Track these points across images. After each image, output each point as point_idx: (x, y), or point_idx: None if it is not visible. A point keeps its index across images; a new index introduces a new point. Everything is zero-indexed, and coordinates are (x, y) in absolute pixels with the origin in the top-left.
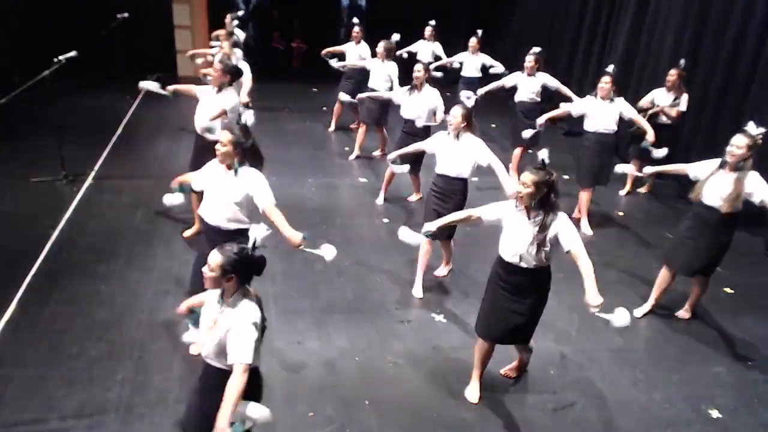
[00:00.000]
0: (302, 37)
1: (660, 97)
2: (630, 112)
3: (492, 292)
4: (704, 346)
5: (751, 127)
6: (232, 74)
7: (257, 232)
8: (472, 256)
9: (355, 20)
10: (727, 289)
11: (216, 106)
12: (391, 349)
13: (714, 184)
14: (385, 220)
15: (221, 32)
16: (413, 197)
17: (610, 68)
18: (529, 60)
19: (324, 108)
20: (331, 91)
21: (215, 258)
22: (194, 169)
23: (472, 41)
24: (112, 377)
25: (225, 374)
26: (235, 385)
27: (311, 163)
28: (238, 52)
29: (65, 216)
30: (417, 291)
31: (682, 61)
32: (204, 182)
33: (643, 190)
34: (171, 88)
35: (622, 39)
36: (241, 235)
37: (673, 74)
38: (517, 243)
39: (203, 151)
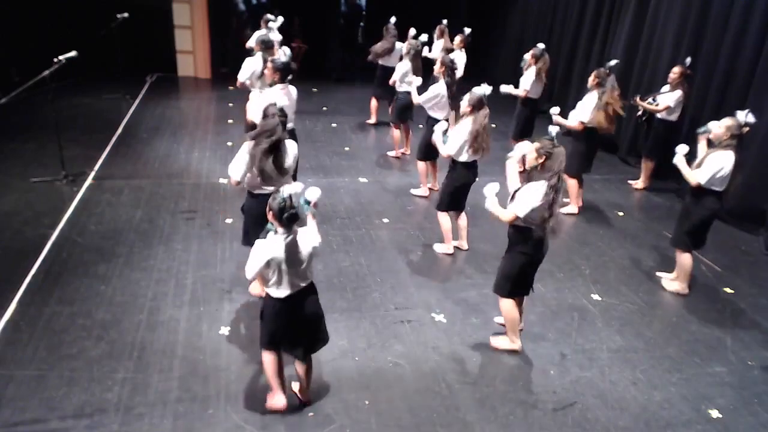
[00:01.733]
0: (302, 37)
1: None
2: (578, 110)
3: None
4: (704, 346)
5: (740, 114)
6: (281, 71)
7: (312, 194)
8: (471, 257)
9: (393, 19)
10: (727, 289)
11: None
12: (391, 349)
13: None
14: (385, 220)
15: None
16: (420, 191)
17: (612, 62)
18: (527, 57)
19: (324, 108)
20: (331, 91)
21: (269, 203)
22: None
23: (457, 39)
24: (112, 377)
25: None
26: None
27: (311, 163)
28: (287, 50)
29: (65, 216)
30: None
31: (688, 60)
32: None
33: (639, 185)
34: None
35: (623, 39)
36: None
37: (675, 72)
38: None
39: None
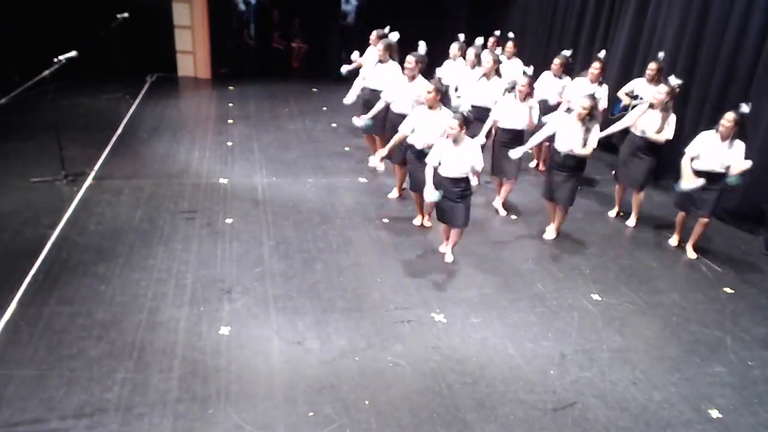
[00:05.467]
0: (302, 37)
1: (639, 88)
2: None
3: (547, 172)
4: (704, 346)
5: (672, 79)
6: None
7: (463, 104)
8: (471, 258)
9: (461, 36)
10: (727, 289)
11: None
12: (391, 349)
13: (645, 119)
14: (385, 220)
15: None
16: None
17: (601, 54)
18: (555, 62)
19: (324, 108)
20: (331, 92)
21: (452, 120)
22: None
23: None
24: (112, 377)
25: (465, 179)
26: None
27: (311, 163)
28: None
29: (65, 216)
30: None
31: (661, 54)
32: (415, 123)
33: None
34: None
35: (623, 39)
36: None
37: (652, 68)
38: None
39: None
